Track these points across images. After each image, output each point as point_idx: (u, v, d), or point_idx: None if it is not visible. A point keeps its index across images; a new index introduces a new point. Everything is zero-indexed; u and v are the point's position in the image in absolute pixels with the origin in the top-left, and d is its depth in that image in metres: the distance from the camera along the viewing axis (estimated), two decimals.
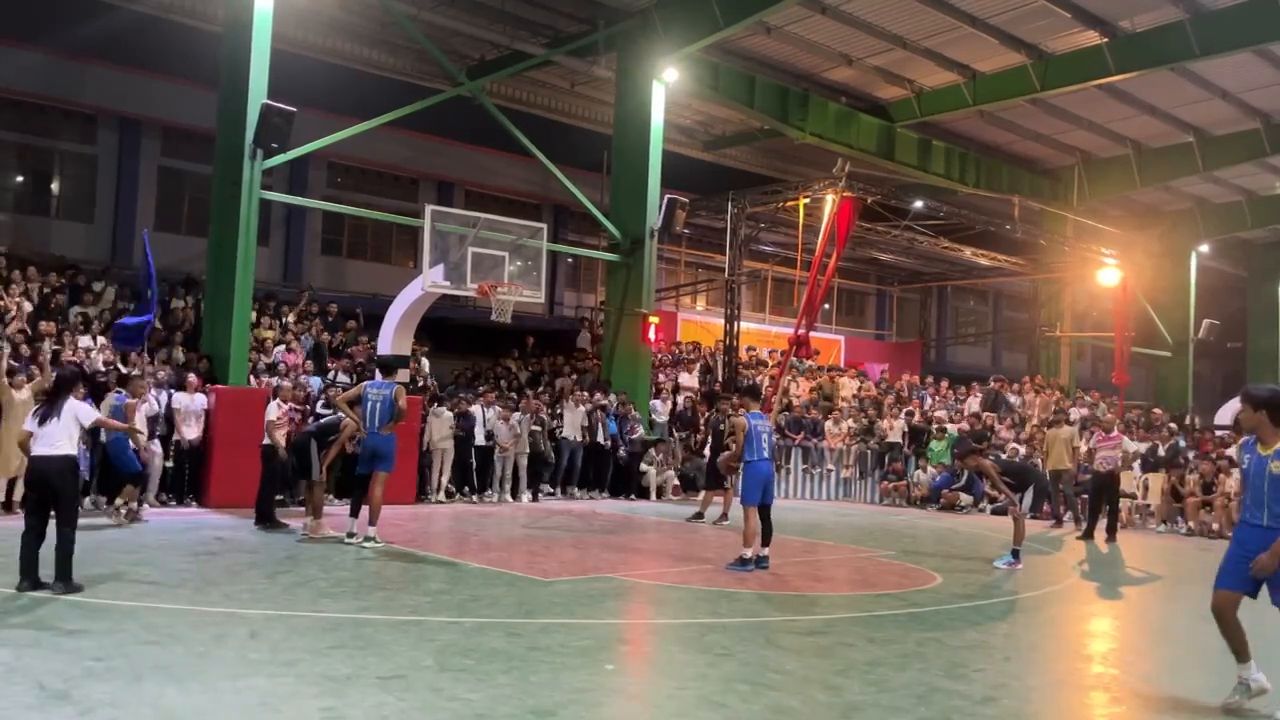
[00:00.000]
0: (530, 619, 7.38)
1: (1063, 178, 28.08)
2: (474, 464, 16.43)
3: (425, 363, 18.24)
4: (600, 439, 18.01)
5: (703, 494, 15.83)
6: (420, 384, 17.18)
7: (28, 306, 14.53)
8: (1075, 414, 21.54)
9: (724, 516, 14.59)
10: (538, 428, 17.13)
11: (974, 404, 22.97)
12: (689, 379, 22.36)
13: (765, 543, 10.37)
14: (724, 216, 22.40)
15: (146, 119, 20.88)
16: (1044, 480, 17.77)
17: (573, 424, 17.69)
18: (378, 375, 11.52)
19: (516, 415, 16.65)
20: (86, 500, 12.09)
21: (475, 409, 16.37)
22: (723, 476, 14.40)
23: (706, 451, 17.01)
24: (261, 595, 7.89)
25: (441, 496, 15.91)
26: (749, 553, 10.24)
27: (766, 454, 10.34)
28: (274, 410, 12.14)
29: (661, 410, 20.16)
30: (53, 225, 20.21)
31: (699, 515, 15.11)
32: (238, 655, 5.99)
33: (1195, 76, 21.76)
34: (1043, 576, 11.12)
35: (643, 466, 18.83)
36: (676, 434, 19.89)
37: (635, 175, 19.97)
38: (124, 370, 13.73)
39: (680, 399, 20.98)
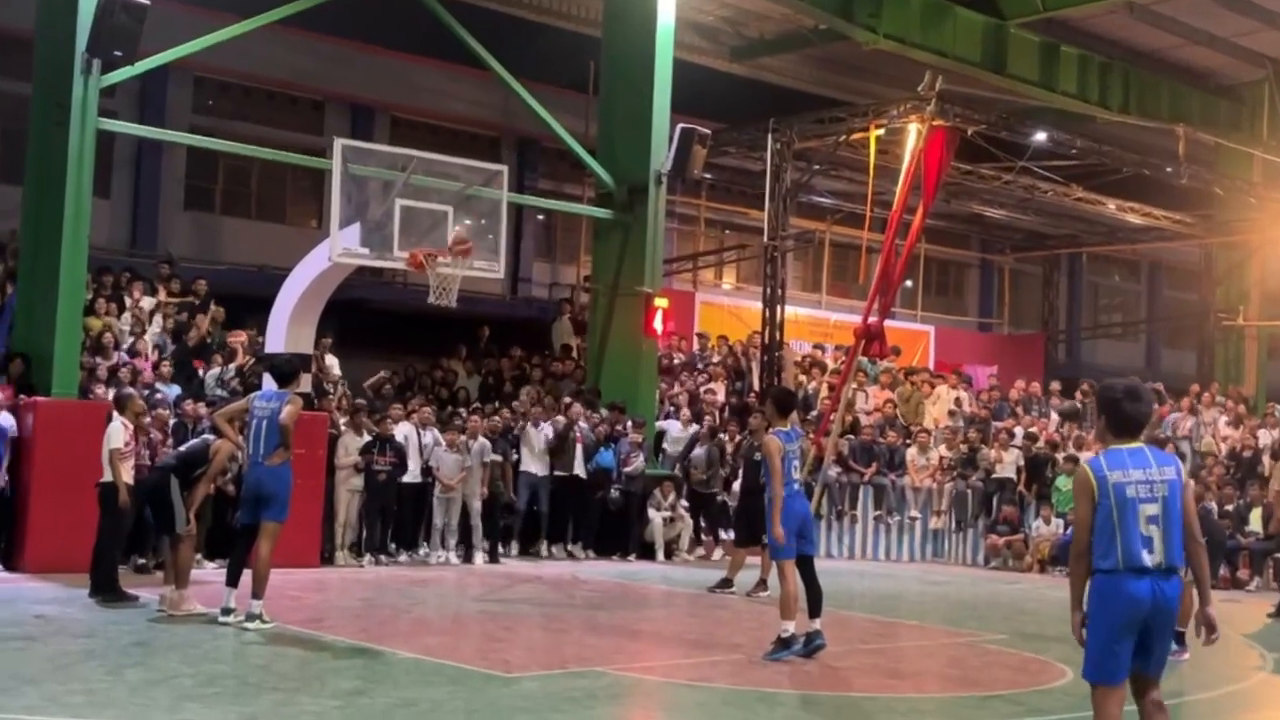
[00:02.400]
0: None
1: (1247, 99, 28.09)
2: (396, 509, 16.46)
3: (334, 363, 18.27)
4: (578, 470, 17.99)
5: (731, 552, 15.81)
6: (332, 392, 17.21)
7: None
8: (1265, 437, 21.55)
9: (761, 584, 14.60)
10: (497, 457, 17.13)
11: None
12: (715, 389, 22.16)
13: (815, 612, 10.37)
14: (762, 155, 22.39)
15: None
16: (1223, 534, 17.74)
17: (535, 450, 17.72)
18: (267, 382, 11.56)
19: (465, 439, 16.67)
20: None
21: (403, 431, 16.41)
22: (759, 529, 14.39)
23: (736, 490, 17.03)
24: (101, 698, 7.88)
25: (349, 556, 15.95)
26: (791, 628, 10.23)
27: (797, 485, 10.44)
28: (119, 433, 12.08)
29: (679, 434, 20.02)
30: None
31: (726, 582, 15.13)
32: None
33: None
34: (1220, 670, 11.10)
35: (650, 513, 18.81)
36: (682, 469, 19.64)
37: (634, 96, 19.94)
38: None
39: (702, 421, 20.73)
